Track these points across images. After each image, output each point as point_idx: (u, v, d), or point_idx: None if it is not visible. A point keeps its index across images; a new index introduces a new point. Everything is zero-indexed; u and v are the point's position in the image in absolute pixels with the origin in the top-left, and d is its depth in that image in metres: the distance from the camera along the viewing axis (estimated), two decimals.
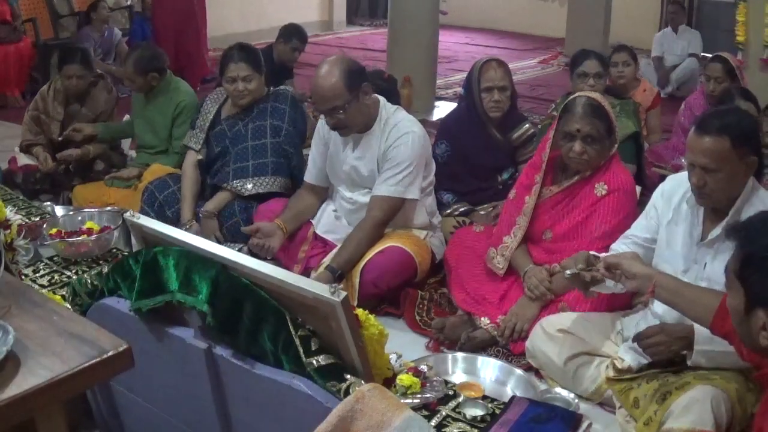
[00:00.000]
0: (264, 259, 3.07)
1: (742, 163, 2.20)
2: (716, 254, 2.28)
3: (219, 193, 3.63)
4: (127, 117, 4.69)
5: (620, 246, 2.57)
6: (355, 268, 3.05)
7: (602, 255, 2.31)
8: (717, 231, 2.27)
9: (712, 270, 2.27)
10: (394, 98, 3.37)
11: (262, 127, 3.61)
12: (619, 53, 4.77)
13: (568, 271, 2.33)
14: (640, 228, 2.56)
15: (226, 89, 3.67)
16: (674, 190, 2.46)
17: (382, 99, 3.21)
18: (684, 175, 2.43)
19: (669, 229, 2.43)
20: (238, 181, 3.58)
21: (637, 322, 2.52)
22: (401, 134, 3.10)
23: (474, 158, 3.63)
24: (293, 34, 5.80)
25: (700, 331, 2.15)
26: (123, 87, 5.94)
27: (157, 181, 3.80)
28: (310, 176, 3.42)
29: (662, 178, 3.77)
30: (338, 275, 2.99)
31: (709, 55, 5.06)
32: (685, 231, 2.38)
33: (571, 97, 2.95)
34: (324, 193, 3.41)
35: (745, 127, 2.22)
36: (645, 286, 2.10)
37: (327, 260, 3.17)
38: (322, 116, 3.47)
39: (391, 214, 3.13)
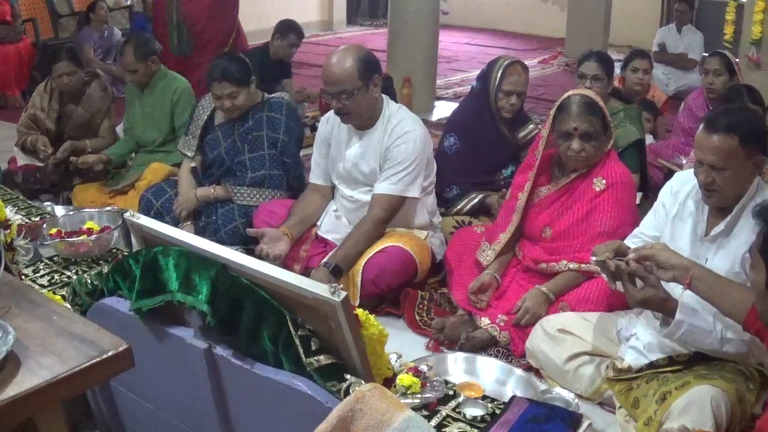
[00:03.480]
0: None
1: (749, 162, 2.21)
2: (718, 249, 2.29)
3: (213, 187, 3.65)
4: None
5: (630, 245, 2.56)
6: (356, 268, 3.05)
7: (636, 246, 2.25)
8: (720, 227, 2.28)
9: (713, 265, 2.27)
10: (390, 96, 3.37)
11: (259, 139, 3.59)
12: (642, 60, 4.65)
13: (594, 258, 2.33)
14: (648, 226, 2.56)
15: (214, 103, 3.64)
16: (681, 185, 2.47)
17: (385, 97, 3.22)
18: (690, 172, 2.43)
19: (674, 224, 2.44)
20: (236, 188, 3.60)
21: (637, 322, 2.53)
22: (403, 133, 3.11)
23: (481, 152, 3.63)
24: (290, 29, 5.79)
25: (684, 304, 2.16)
26: (122, 87, 5.92)
27: (154, 188, 3.79)
28: (314, 177, 3.42)
29: (667, 175, 3.78)
30: (333, 268, 2.98)
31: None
32: (690, 227, 2.38)
33: (565, 96, 2.96)
34: (329, 193, 3.41)
35: (753, 126, 2.22)
36: (681, 278, 2.07)
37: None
38: (322, 117, 3.49)
39: (391, 212, 3.14)
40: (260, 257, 3.08)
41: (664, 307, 2.18)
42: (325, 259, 3.12)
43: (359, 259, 3.07)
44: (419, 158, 3.12)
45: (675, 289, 2.22)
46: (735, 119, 2.20)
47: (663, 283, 2.18)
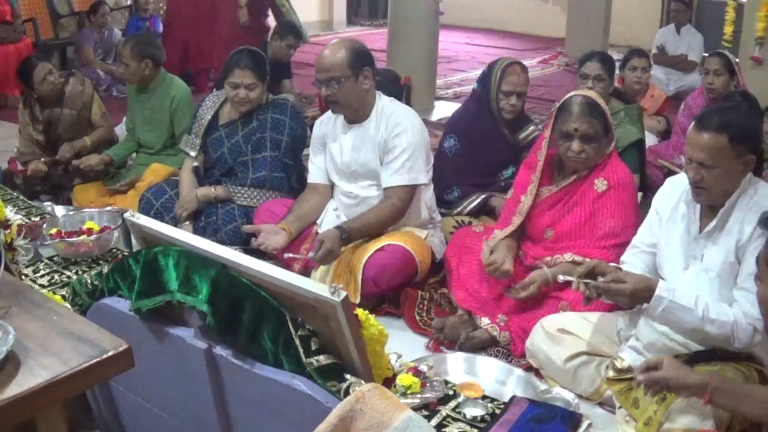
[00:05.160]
0: (266, 257, 3.08)
1: (738, 162, 2.22)
2: (712, 245, 2.30)
3: (214, 187, 3.66)
4: (124, 121, 4.67)
5: (630, 257, 2.57)
6: (356, 266, 3.06)
7: (642, 376, 2.05)
8: (713, 223, 2.30)
9: (709, 259, 2.29)
10: (406, 103, 3.42)
11: (262, 140, 3.61)
12: (640, 58, 4.70)
13: (560, 277, 2.37)
14: (645, 234, 2.57)
15: (226, 93, 3.64)
16: (672, 190, 2.48)
17: (378, 92, 3.26)
18: (681, 176, 2.45)
19: (668, 228, 2.45)
20: (237, 188, 3.61)
21: (636, 321, 2.53)
22: (398, 122, 3.15)
23: (481, 154, 3.64)
24: (288, 30, 5.79)
25: (665, 282, 2.21)
26: (122, 86, 5.92)
27: (154, 188, 3.79)
28: (312, 177, 3.44)
29: (666, 175, 3.78)
30: (345, 236, 3.02)
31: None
32: (683, 228, 2.39)
33: (567, 96, 2.95)
34: (328, 191, 3.42)
35: (744, 126, 2.24)
36: (700, 395, 1.97)
37: None
38: (317, 120, 3.51)
39: (407, 202, 3.17)
40: (257, 254, 3.09)
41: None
42: (339, 224, 3.14)
43: (360, 258, 3.07)
44: (419, 144, 3.15)
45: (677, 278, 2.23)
46: (726, 118, 2.21)
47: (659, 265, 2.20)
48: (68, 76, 4.45)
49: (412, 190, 3.17)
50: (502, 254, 2.91)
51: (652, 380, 1.99)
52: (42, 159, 4.32)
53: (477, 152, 3.64)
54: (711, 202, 2.30)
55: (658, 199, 2.54)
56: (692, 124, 2.27)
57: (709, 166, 2.21)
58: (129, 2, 8.34)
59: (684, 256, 2.37)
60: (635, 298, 2.24)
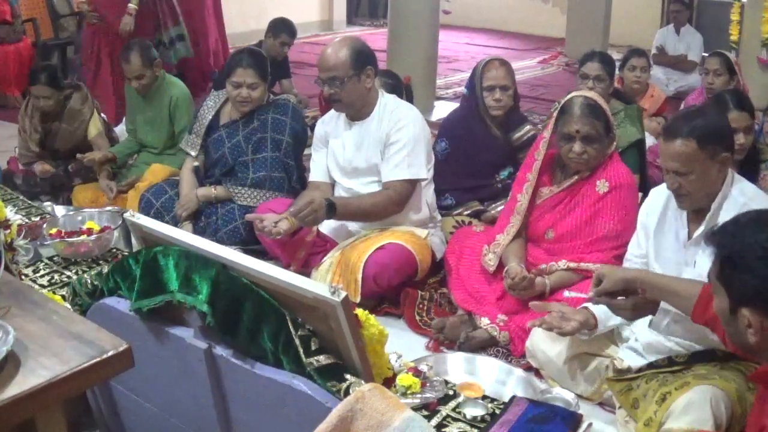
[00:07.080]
0: (266, 257, 3.08)
1: (713, 162, 2.23)
2: (703, 250, 2.29)
3: (215, 187, 3.66)
4: (124, 121, 4.67)
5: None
6: (357, 264, 3.06)
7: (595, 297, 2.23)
8: (701, 228, 2.30)
9: (702, 264, 2.28)
10: (408, 101, 3.42)
11: (263, 140, 3.62)
12: (639, 58, 4.73)
13: (566, 293, 2.41)
14: (634, 246, 2.57)
15: (228, 93, 3.64)
16: (657, 199, 2.48)
17: (381, 90, 3.28)
18: (664, 186, 2.46)
19: (656, 238, 2.44)
20: (237, 188, 3.62)
21: (636, 322, 2.52)
22: (401, 116, 3.17)
23: (473, 155, 3.63)
24: (282, 28, 5.77)
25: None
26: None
27: (154, 188, 3.79)
28: (314, 175, 3.44)
29: None
30: (329, 205, 3.02)
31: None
32: (672, 236, 2.39)
33: (568, 97, 2.95)
34: (329, 189, 3.41)
35: (711, 126, 2.24)
36: (632, 286, 2.12)
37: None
38: (319, 120, 3.51)
39: (405, 196, 3.18)
40: (256, 254, 3.09)
41: (657, 307, 2.20)
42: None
43: (360, 256, 3.07)
44: (420, 139, 3.16)
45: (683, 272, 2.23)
46: (691, 124, 2.22)
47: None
48: (72, 91, 4.38)
49: (411, 186, 3.18)
50: (516, 268, 2.85)
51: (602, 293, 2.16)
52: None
53: (469, 154, 3.63)
54: (695, 207, 2.31)
55: (642, 212, 2.54)
56: (661, 134, 2.29)
57: (683, 172, 2.22)
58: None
59: (675, 264, 2.36)
60: (637, 311, 2.23)
